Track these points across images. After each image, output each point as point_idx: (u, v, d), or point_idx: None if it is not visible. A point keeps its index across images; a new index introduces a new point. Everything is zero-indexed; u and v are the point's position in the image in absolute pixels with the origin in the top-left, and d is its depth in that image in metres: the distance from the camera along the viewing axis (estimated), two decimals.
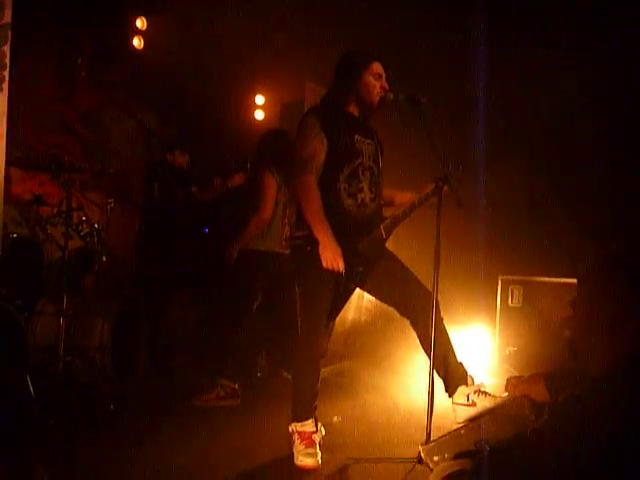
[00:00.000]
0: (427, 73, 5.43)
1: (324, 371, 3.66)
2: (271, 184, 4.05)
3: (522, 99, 5.50)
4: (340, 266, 2.76)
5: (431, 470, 2.38)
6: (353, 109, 3.02)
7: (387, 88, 2.96)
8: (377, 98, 2.96)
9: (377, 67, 2.97)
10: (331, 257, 2.75)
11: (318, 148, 2.85)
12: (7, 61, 3.03)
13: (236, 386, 3.98)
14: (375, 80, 2.95)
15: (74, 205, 4.16)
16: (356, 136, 2.95)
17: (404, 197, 3.14)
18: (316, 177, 2.86)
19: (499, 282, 5.17)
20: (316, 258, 2.78)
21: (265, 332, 4.55)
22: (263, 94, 6.85)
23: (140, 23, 5.85)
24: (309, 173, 2.84)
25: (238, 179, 4.54)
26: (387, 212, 3.13)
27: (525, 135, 5.65)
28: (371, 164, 2.98)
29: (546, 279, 4.98)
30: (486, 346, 4.95)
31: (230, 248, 4.14)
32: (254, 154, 4.30)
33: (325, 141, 2.86)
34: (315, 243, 2.79)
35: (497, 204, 5.66)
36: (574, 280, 4.68)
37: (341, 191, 2.88)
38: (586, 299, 1.28)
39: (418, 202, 2.95)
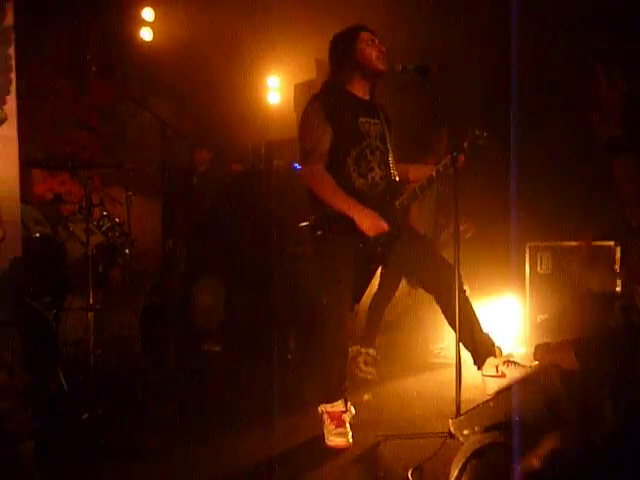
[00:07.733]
0: (447, 44, 5.29)
1: (352, 350, 3.65)
2: None
3: (551, 64, 5.31)
4: (384, 226, 2.78)
5: (462, 444, 2.36)
6: (357, 86, 2.99)
7: (384, 50, 2.93)
8: (379, 63, 2.93)
9: (366, 35, 2.96)
10: (371, 224, 2.76)
11: (322, 136, 2.85)
12: (12, 63, 3.02)
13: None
14: (369, 46, 2.92)
15: (94, 201, 4.19)
16: (361, 119, 2.93)
17: (418, 171, 3.10)
18: (323, 164, 2.86)
19: (527, 249, 5.07)
20: (330, 241, 2.82)
21: (293, 314, 4.56)
22: (276, 76, 6.80)
23: (148, 14, 5.87)
24: (315, 162, 2.85)
25: None
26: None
27: (552, 102, 5.48)
28: (378, 144, 2.96)
29: (575, 243, 4.87)
30: (517, 315, 4.88)
31: None
32: None
33: (329, 129, 2.85)
34: (325, 227, 2.82)
35: (523, 169, 5.53)
36: (603, 243, 4.58)
37: (351, 172, 2.87)
38: None
39: (435, 175, 2.90)
